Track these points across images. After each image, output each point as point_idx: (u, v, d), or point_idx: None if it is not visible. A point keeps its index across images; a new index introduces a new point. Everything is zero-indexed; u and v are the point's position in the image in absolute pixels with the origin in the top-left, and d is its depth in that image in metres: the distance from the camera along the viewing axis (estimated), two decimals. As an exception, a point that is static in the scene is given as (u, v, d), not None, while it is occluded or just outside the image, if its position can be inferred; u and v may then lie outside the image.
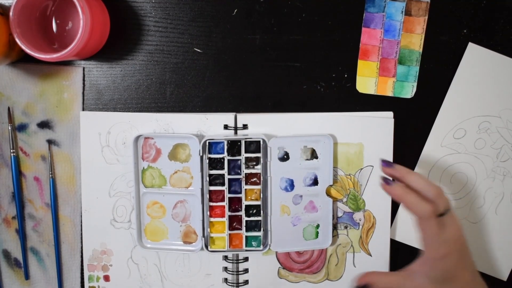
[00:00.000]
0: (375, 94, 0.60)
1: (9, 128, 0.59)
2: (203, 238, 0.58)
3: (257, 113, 0.59)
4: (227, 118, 0.59)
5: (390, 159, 0.60)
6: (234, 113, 0.59)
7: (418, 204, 0.49)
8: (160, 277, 0.61)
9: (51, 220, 0.60)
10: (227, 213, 0.58)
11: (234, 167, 0.57)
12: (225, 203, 0.58)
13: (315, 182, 0.59)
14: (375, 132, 0.59)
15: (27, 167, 0.60)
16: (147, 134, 0.58)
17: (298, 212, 0.59)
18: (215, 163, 0.57)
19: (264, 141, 0.57)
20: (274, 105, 0.60)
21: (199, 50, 0.59)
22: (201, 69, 0.59)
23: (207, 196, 0.58)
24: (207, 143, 0.57)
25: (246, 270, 0.61)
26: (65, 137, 0.59)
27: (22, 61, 0.58)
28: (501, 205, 0.61)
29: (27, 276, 0.61)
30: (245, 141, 0.57)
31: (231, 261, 0.60)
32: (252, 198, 0.58)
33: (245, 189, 0.58)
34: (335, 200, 0.60)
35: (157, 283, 0.61)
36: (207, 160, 0.57)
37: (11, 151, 0.59)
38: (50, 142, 0.59)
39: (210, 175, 0.57)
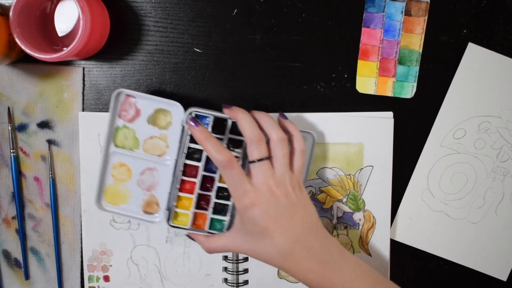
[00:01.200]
0: (375, 94, 0.60)
1: (9, 128, 0.59)
2: (166, 211, 0.56)
3: (257, 113, 0.59)
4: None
5: (390, 159, 0.60)
6: (234, 113, 0.59)
7: (213, 153, 0.49)
8: (160, 277, 0.61)
9: (51, 220, 0.60)
10: (197, 190, 0.56)
11: None
12: (198, 180, 0.56)
13: None
14: (375, 132, 0.59)
15: (27, 167, 0.60)
16: (130, 92, 0.55)
17: None
18: None
19: None
20: (274, 105, 0.60)
21: (199, 50, 0.59)
22: (201, 69, 0.59)
23: (181, 168, 0.55)
24: (193, 114, 0.55)
25: (246, 270, 0.61)
26: (65, 137, 0.59)
27: (22, 61, 0.58)
28: (501, 205, 0.61)
29: (27, 276, 0.61)
30: (232, 122, 0.55)
31: (231, 261, 0.60)
32: None
33: None
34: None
35: (157, 283, 0.61)
36: (189, 132, 0.54)
37: (11, 151, 0.59)
38: (50, 142, 0.59)
39: (188, 148, 0.55)
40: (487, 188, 0.61)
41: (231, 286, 0.61)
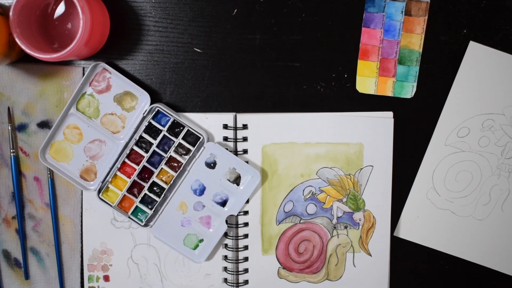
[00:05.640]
0: (375, 94, 0.60)
1: (9, 128, 0.59)
2: (101, 183, 0.58)
3: (257, 113, 0.59)
4: (227, 118, 0.59)
5: (390, 159, 0.60)
6: (234, 113, 0.59)
7: None
8: (160, 277, 0.61)
9: (51, 220, 0.60)
10: (135, 176, 0.58)
11: (165, 144, 0.58)
12: (138, 168, 0.58)
13: (223, 203, 0.59)
14: (375, 132, 0.59)
15: (27, 167, 0.60)
16: (107, 67, 0.57)
17: (192, 217, 0.59)
18: (151, 130, 0.58)
19: (203, 139, 0.57)
20: (274, 105, 0.60)
21: (199, 50, 0.59)
22: (201, 69, 0.59)
23: (127, 152, 0.58)
24: (156, 109, 0.57)
25: (246, 270, 0.61)
26: (65, 137, 0.59)
27: (22, 61, 0.58)
28: (507, 202, 0.61)
29: (27, 276, 0.61)
30: (188, 130, 0.58)
31: (231, 261, 0.60)
32: (163, 179, 0.59)
33: (162, 168, 0.58)
34: None
35: (157, 283, 0.61)
36: (147, 123, 0.58)
37: (11, 151, 0.59)
38: (50, 142, 0.60)
39: (140, 137, 0.58)
40: (492, 185, 0.61)
41: (231, 286, 0.61)
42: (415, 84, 0.60)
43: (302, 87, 0.60)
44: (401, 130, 0.60)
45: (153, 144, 0.58)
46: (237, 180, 0.59)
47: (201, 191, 0.59)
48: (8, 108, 0.59)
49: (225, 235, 0.60)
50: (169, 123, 0.58)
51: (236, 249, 0.60)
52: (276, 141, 0.59)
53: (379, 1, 0.58)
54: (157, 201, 0.59)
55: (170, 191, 0.59)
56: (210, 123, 0.59)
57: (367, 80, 0.60)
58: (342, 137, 0.60)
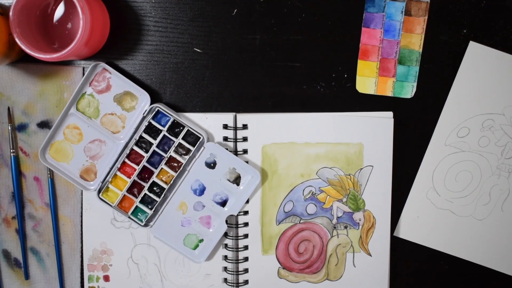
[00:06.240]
0: (375, 94, 0.60)
1: (9, 128, 0.59)
2: (101, 183, 0.59)
3: (257, 113, 0.59)
4: (227, 118, 0.59)
5: (390, 159, 0.60)
6: (234, 113, 0.59)
7: None
8: (160, 277, 0.61)
9: (51, 220, 0.60)
10: (135, 176, 0.58)
11: (164, 144, 0.58)
12: (138, 168, 0.58)
13: (223, 203, 0.59)
14: (375, 132, 0.59)
15: (27, 167, 0.60)
16: (107, 67, 0.57)
17: (192, 217, 0.59)
18: (151, 130, 0.58)
19: (203, 139, 0.57)
20: (274, 105, 0.60)
21: (199, 50, 0.59)
22: (201, 69, 0.59)
23: (127, 152, 0.58)
24: (156, 109, 0.57)
25: (246, 270, 0.61)
26: (65, 137, 0.59)
27: (22, 61, 0.58)
28: (507, 202, 0.61)
29: (27, 276, 0.61)
30: (188, 130, 0.58)
31: (231, 261, 0.60)
32: (163, 179, 0.59)
33: (162, 168, 0.58)
34: None
35: (156, 283, 0.61)
36: (147, 123, 0.58)
37: (11, 151, 0.59)
38: (50, 142, 0.60)
39: (140, 137, 0.58)
40: (492, 185, 0.61)
41: (231, 286, 0.61)
42: (415, 84, 0.60)
43: (302, 87, 0.60)
44: (401, 130, 0.60)
45: (153, 144, 0.58)
46: (237, 180, 0.59)
47: (201, 191, 0.59)
48: (8, 108, 0.59)
49: (225, 235, 0.60)
50: (169, 123, 0.58)
51: (236, 249, 0.60)
52: (276, 141, 0.59)
53: (379, 1, 0.58)
54: (157, 201, 0.59)
55: (170, 191, 0.59)
56: (210, 123, 0.59)
57: (367, 80, 0.60)
58: (342, 137, 0.60)
